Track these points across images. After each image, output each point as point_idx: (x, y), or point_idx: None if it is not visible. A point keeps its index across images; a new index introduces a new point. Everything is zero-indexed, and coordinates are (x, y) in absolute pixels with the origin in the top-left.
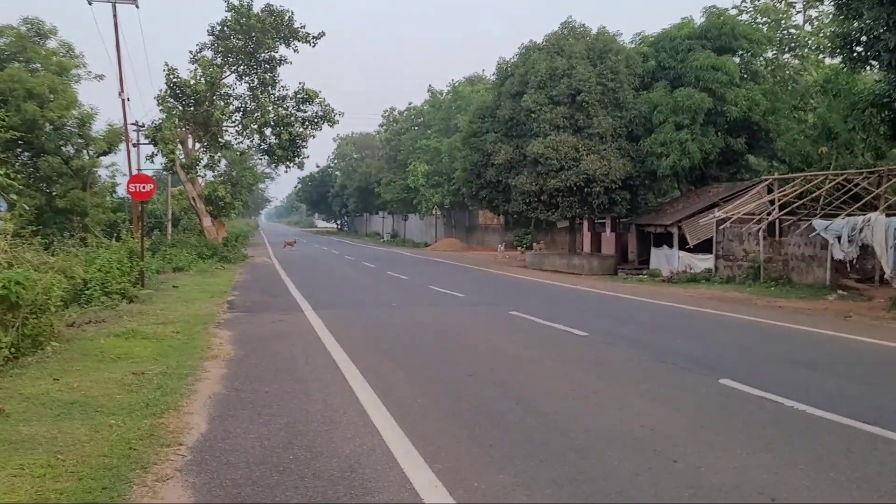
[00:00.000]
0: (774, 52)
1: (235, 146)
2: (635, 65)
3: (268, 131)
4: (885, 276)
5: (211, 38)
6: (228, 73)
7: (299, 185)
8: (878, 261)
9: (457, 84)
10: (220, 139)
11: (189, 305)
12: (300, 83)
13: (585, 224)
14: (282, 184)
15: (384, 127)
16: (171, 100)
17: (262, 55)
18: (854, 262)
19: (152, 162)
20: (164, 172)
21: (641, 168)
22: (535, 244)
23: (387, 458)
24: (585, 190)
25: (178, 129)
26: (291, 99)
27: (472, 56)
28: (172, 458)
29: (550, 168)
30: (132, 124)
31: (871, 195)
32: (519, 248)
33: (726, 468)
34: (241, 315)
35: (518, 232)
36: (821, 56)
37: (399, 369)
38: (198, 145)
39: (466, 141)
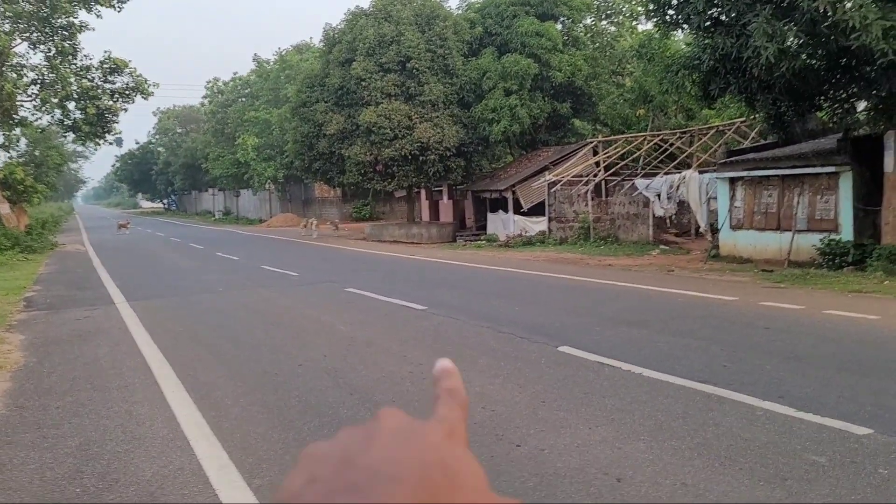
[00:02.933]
0: (593, 18)
1: (35, 123)
2: (463, 31)
3: (71, 105)
4: (700, 229)
5: None
6: (19, 41)
7: (118, 164)
8: (694, 215)
9: (284, 53)
10: (13, 115)
11: None
12: (106, 52)
13: (423, 193)
14: (98, 163)
15: (208, 99)
16: None
17: (59, 21)
18: (672, 217)
19: None
20: None
21: (474, 134)
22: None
23: (197, 477)
24: (420, 158)
25: None
26: (97, 69)
27: (300, 25)
28: None
29: (384, 137)
30: None
31: (685, 154)
32: (330, 221)
33: (570, 448)
34: (40, 314)
35: (356, 203)
36: (634, 23)
37: (221, 365)
38: None
39: (296, 111)
